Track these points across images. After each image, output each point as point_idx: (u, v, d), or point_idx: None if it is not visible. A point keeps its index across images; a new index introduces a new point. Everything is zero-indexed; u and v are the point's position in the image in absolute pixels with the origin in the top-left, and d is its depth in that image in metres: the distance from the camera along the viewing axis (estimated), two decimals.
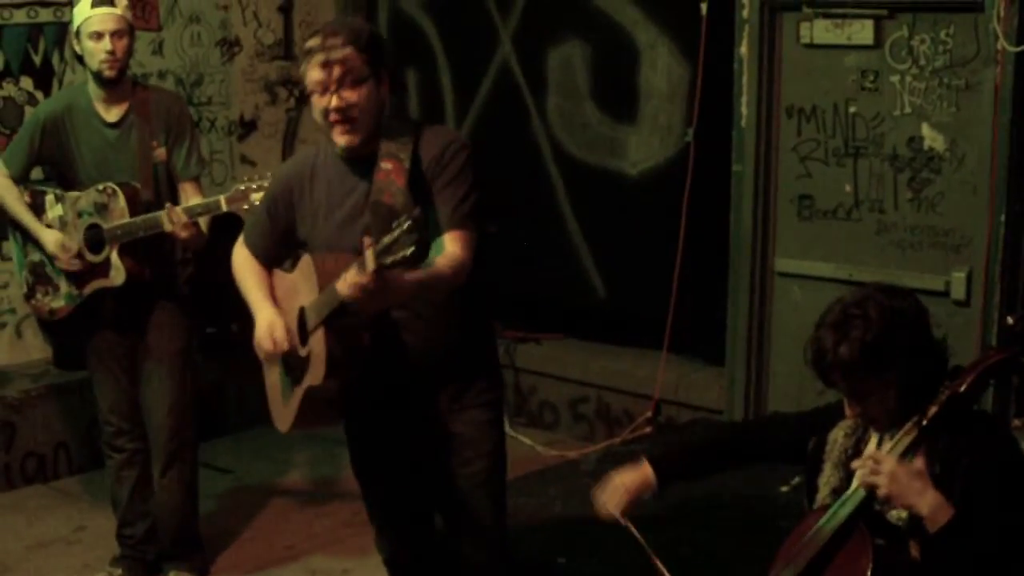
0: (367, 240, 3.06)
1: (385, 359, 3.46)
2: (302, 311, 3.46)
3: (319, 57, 3.37)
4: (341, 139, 3.43)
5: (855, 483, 2.98)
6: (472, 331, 3.63)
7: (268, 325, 3.54)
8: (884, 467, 2.86)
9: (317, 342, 3.37)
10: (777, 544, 3.08)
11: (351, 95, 3.38)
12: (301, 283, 3.48)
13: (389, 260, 2.97)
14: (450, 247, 3.38)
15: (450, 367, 3.57)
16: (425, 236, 2.96)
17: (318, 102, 3.41)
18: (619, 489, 3.34)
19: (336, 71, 3.36)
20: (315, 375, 3.38)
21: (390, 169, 3.39)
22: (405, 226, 2.94)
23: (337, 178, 3.54)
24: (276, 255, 3.75)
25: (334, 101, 3.38)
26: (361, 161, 3.48)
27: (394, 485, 3.74)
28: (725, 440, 3.47)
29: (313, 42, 3.40)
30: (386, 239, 2.97)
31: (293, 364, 3.53)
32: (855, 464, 2.96)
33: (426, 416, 3.59)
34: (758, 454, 3.38)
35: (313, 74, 3.39)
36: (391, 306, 3.35)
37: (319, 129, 3.55)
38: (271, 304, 3.61)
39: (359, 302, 3.13)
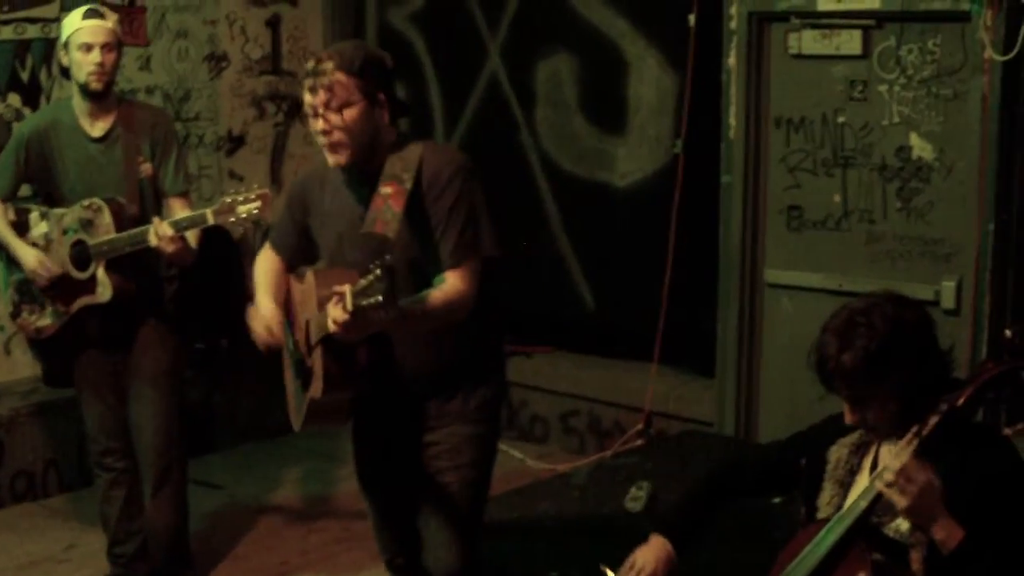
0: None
1: (384, 374, 3.59)
2: (307, 324, 3.59)
3: (308, 81, 3.52)
4: (330, 158, 3.56)
5: (852, 496, 2.94)
6: (472, 349, 3.70)
7: (262, 319, 3.70)
8: (918, 480, 2.74)
9: (316, 359, 3.51)
10: (770, 557, 3.06)
11: (336, 118, 3.49)
12: (308, 295, 3.62)
13: (364, 302, 3.14)
14: (450, 281, 3.50)
15: (444, 381, 3.68)
16: (392, 286, 3.13)
17: (311, 123, 3.56)
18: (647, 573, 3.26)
19: (322, 95, 3.48)
20: (315, 388, 3.53)
21: (389, 193, 3.50)
22: (377, 273, 3.11)
23: (342, 191, 3.67)
24: (300, 253, 3.86)
25: (320, 124, 3.50)
26: (366, 177, 3.57)
27: (391, 488, 3.87)
28: (715, 487, 3.39)
29: (307, 66, 3.55)
30: (363, 282, 3.14)
31: (303, 371, 3.66)
32: (886, 473, 2.79)
33: (415, 425, 3.72)
34: (747, 491, 3.34)
35: (305, 97, 3.54)
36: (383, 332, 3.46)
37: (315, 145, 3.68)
38: (271, 300, 3.75)
39: (341, 336, 3.28)
